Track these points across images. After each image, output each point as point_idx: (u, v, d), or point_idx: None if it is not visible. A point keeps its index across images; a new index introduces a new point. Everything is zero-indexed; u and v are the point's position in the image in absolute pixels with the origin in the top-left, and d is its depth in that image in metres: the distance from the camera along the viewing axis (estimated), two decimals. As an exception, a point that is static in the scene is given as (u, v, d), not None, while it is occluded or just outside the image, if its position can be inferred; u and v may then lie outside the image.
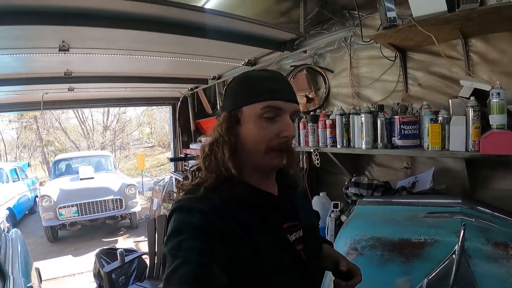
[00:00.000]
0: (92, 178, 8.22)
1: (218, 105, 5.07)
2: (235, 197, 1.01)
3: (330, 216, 2.57)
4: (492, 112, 1.87)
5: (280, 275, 1.00)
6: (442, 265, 1.73)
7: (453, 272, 1.66)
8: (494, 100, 1.86)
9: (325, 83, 3.27)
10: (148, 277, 4.02)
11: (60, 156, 10.65)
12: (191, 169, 1.14)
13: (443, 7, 2.02)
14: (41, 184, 12.49)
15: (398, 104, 2.46)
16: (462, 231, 1.66)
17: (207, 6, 2.70)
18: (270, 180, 1.16)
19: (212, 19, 2.53)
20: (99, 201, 7.55)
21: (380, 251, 1.94)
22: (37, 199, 9.82)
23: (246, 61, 3.74)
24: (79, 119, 19.75)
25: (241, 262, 0.94)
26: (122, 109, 19.43)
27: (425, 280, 1.74)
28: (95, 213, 7.52)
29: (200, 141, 5.13)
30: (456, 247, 1.67)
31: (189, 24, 2.52)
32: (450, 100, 2.17)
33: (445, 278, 1.69)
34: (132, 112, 20.73)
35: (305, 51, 3.41)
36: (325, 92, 3.26)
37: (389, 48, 2.67)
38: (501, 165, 2.26)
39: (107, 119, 20.47)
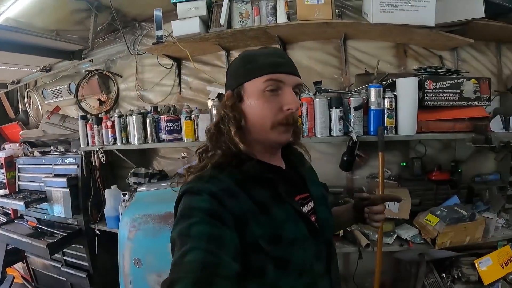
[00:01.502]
0: None
1: (20, 109, 4.84)
2: (245, 173, 1.00)
3: (121, 205, 2.91)
4: (227, 109, 2.47)
5: (298, 247, 0.99)
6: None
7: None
8: (228, 101, 2.47)
9: (115, 87, 3.54)
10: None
11: None
12: (198, 151, 1.10)
13: (197, 29, 2.53)
14: None
15: (164, 106, 2.95)
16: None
17: (6, 15, 2.78)
18: (277, 155, 1.16)
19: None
20: None
21: (152, 224, 2.37)
22: None
23: (41, 67, 3.87)
24: None
25: (259, 239, 0.92)
26: None
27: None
28: None
29: (4, 149, 4.79)
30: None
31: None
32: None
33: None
34: None
35: (91, 60, 3.66)
36: (115, 95, 3.53)
37: (166, 58, 3.09)
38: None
39: None
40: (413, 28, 2.41)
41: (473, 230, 2.39)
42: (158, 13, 2.68)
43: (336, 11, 2.56)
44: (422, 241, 2.41)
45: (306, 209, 1.12)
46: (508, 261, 2.50)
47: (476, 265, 2.46)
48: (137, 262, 2.41)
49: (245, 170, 1.00)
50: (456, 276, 2.51)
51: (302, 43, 2.83)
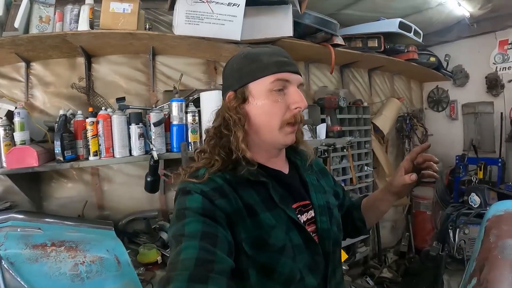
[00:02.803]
0: None
1: None
2: (239, 175, 0.98)
3: None
4: (16, 129, 2.07)
5: (286, 256, 0.95)
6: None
7: (1, 281, 1.78)
8: (16, 119, 2.06)
9: None
10: None
11: None
12: (196, 152, 1.10)
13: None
14: None
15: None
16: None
17: None
18: (280, 157, 1.12)
19: None
20: None
21: None
22: None
23: None
24: None
25: (242, 242, 0.91)
26: None
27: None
28: None
29: None
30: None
31: None
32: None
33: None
34: None
35: None
36: None
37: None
38: (57, 176, 2.55)
39: None
40: (220, 43, 2.43)
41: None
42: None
43: (147, 24, 2.49)
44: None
45: (305, 217, 1.07)
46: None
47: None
48: None
49: (240, 171, 0.99)
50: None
51: (108, 57, 2.66)
